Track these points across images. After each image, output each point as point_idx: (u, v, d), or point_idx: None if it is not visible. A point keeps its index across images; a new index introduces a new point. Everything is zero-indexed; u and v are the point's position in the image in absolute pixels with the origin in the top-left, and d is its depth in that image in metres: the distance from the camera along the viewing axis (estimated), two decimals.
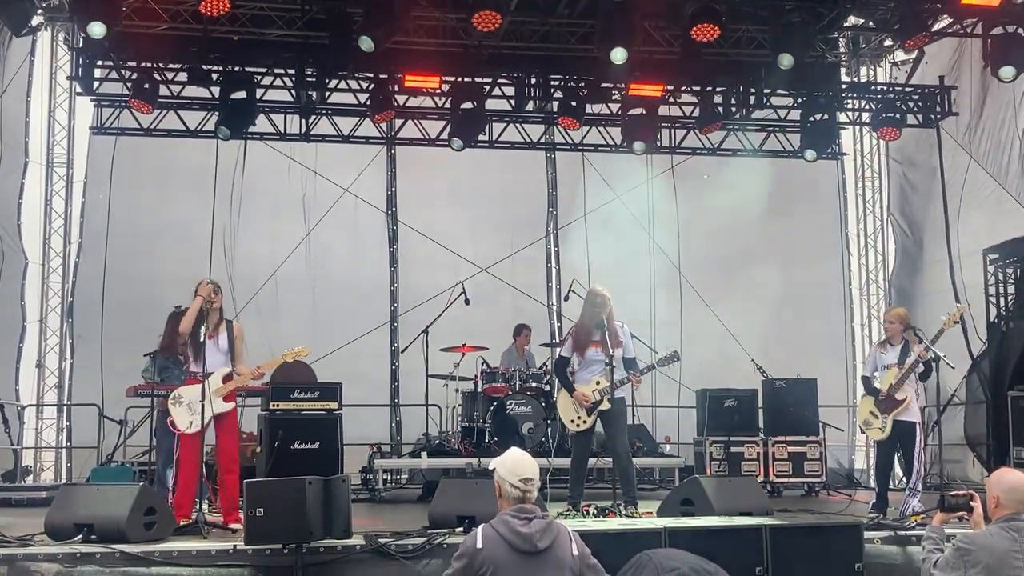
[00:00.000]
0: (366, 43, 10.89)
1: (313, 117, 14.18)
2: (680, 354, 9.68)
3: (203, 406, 8.47)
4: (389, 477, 12.99)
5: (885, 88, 15.08)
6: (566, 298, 13.51)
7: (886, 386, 9.45)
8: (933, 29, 12.04)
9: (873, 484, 11.52)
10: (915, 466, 9.31)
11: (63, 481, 13.84)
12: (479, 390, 12.70)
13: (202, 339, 8.61)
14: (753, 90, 13.83)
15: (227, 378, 8.81)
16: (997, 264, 13.21)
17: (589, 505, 9.17)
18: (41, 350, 14.98)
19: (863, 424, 9.74)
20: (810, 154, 14.23)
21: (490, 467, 5.17)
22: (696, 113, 14.17)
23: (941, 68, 14.70)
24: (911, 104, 14.44)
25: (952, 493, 6.13)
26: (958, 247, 14.03)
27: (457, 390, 13.03)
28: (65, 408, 14.89)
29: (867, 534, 7.76)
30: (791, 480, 12.86)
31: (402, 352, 14.61)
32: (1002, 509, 5.47)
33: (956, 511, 5.91)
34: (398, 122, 14.51)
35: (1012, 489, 5.46)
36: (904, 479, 9.68)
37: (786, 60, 11.49)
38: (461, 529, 7.52)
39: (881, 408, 9.50)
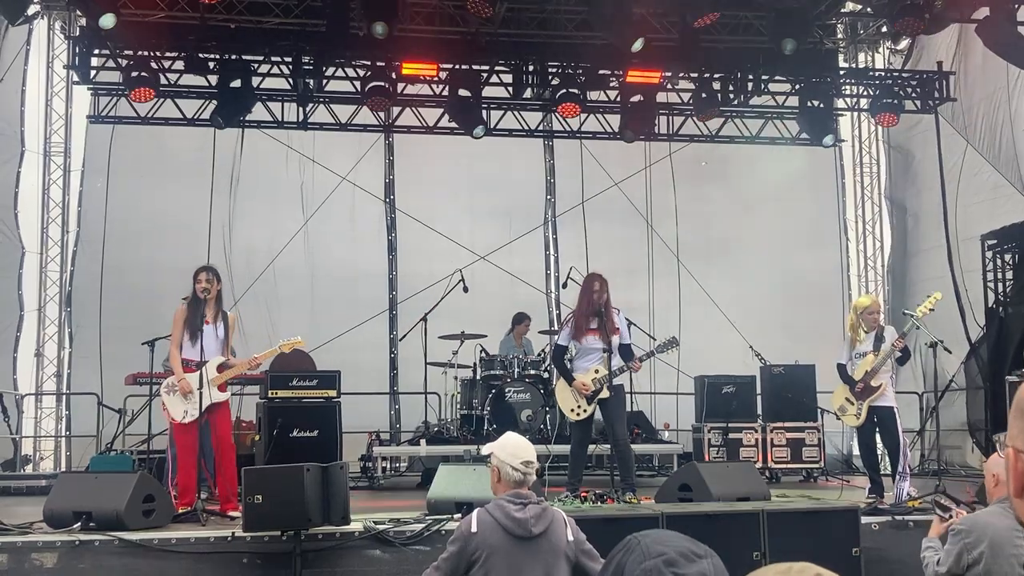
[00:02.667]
0: (380, 28, 10.85)
1: (310, 105, 14.10)
2: (679, 340, 9.70)
3: (200, 394, 8.48)
4: (388, 465, 13.01)
5: (883, 74, 15.06)
6: (564, 285, 13.51)
7: (861, 373, 9.47)
8: (932, 15, 12.03)
9: None
10: (900, 450, 9.34)
11: (62, 470, 13.86)
12: (478, 377, 12.71)
13: (200, 325, 8.61)
14: (751, 77, 13.81)
15: (221, 368, 8.80)
16: (995, 249, 13.21)
17: (587, 491, 9.18)
18: (39, 339, 15.00)
19: (838, 410, 9.78)
20: (828, 139, 14.20)
21: (485, 451, 5.17)
22: (694, 100, 14.14)
23: (938, 53, 14.68)
24: (909, 90, 14.40)
25: (944, 503, 6.10)
26: (956, 232, 14.04)
27: (456, 377, 13.03)
28: (64, 397, 14.91)
29: (864, 519, 7.80)
30: (789, 466, 12.87)
31: (400, 340, 14.62)
32: (1002, 487, 5.42)
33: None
34: (396, 110, 14.45)
35: None
36: (891, 465, 9.69)
37: (789, 45, 11.48)
38: (459, 516, 7.52)
39: (857, 395, 9.53)
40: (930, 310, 9.44)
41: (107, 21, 10.40)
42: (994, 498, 5.45)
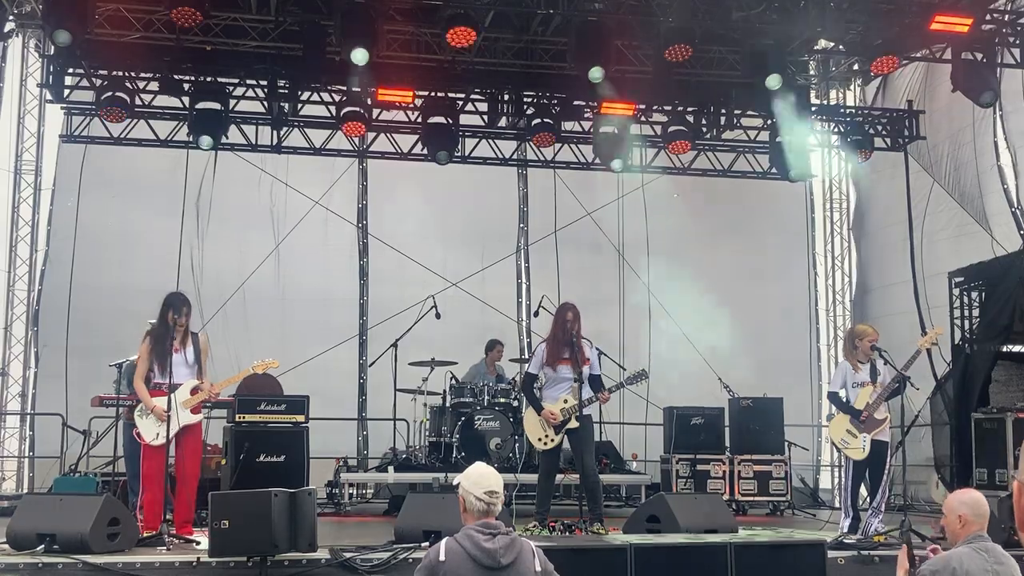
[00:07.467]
0: (359, 55, 10.84)
1: (284, 129, 14.13)
2: (648, 372, 9.71)
3: (168, 419, 8.40)
4: (355, 491, 12.93)
5: (854, 111, 15.25)
6: (536, 314, 13.50)
7: (862, 404, 9.21)
8: (902, 53, 12.19)
9: (838, 504, 11.57)
10: (882, 486, 9.30)
11: (25, 491, 13.69)
12: (447, 405, 12.68)
13: (167, 352, 8.56)
14: (723, 111, 13.94)
15: (194, 391, 8.74)
16: (962, 287, 13.34)
17: (555, 521, 9.17)
18: (5, 358, 14.85)
19: (840, 442, 9.38)
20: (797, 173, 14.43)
21: (454, 482, 5.15)
22: (667, 132, 14.23)
23: (906, 91, 14.91)
24: (879, 128, 14.60)
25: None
26: (922, 269, 14.19)
27: (425, 404, 13.00)
28: (28, 417, 14.73)
29: (831, 553, 7.81)
30: (756, 498, 12.89)
31: (370, 366, 14.54)
32: (969, 526, 5.37)
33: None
34: (370, 135, 14.49)
35: (976, 504, 5.41)
36: (869, 499, 9.63)
37: (773, 81, 11.57)
38: (427, 544, 7.48)
39: (859, 428, 9.23)
40: (933, 343, 9.43)
41: (61, 38, 10.34)
42: (961, 537, 5.40)
